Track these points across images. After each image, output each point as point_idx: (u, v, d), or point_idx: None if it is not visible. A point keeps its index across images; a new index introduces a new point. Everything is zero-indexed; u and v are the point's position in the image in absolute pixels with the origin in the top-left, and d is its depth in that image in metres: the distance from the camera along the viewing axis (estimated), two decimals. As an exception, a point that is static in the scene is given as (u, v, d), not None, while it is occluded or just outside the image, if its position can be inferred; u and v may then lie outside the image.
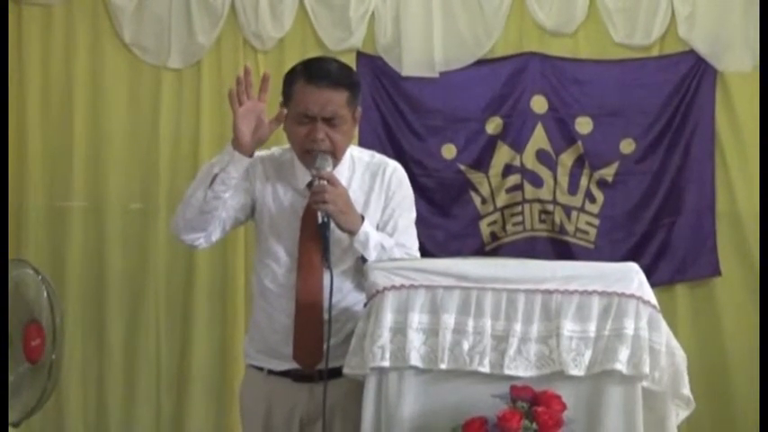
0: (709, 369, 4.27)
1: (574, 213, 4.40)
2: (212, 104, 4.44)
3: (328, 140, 2.69)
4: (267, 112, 2.69)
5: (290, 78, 2.74)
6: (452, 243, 4.38)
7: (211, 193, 2.66)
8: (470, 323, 2.39)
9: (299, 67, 2.76)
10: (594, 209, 4.40)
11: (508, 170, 4.42)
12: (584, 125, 4.41)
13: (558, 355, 2.36)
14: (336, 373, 2.58)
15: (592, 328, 2.37)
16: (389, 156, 2.96)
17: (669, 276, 4.36)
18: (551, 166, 4.42)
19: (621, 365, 2.33)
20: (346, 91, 2.71)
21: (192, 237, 2.77)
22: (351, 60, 4.22)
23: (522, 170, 4.42)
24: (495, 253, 4.39)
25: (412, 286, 2.43)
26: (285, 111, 2.67)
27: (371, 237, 2.68)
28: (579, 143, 4.40)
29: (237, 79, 2.65)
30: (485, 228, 4.44)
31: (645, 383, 2.37)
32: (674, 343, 2.44)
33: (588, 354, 2.36)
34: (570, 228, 4.40)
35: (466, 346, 2.38)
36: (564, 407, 2.29)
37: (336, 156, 2.72)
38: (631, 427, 2.35)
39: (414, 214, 2.87)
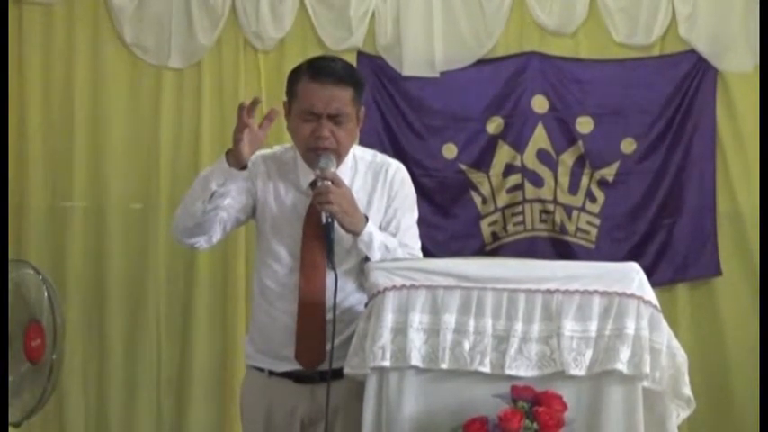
0: (710, 369, 4.27)
1: (574, 213, 4.40)
2: (213, 104, 4.44)
3: (333, 138, 2.68)
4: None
5: (295, 77, 2.74)
6: (453, 243, 4.37)
7: (210, 206, 2.66)
8: (471, 323, 2.39)
9: (303, 65, 2.76)
10: (595, 208, 4.40)
11: (509, 170, 4.42)
12: (584, 125, 4.41)
13: (558, 355, 2.36)
14: (338, 374, 2.57)
15: (592, 327, 2.37)
16: (390, 156, 2.95)
17: (670, 276, 4.36)
18: (552, 165, 4.41)
19: (622, 365, 2.33)
20: (351, 89, 2.71)
21: (192, 241, 2.78)
22: (351, 60, 4.19)
23: (523, 170, 4.41)
24: (495, 253, 4.39)
25: (413, 286, 2.43)
26: (275, 110, 2.66)
27: (375, 237, 2.68)
28: (580, 143, 4.40)
29: (241, 105, 2.61)
30: (485, 228, 4.44)
31: (645, 383, 2.37)
32: (675, 343, 2.44)
33: (589, 354, 2.36)
34: (571, 227, 4.40)
35: (467, 345, 2.38)
36: (565, 407, 2.29)
37: (340, 154, 2.72)
38: (632, 426, 2.35)
39: (416, 214, 2.87)
